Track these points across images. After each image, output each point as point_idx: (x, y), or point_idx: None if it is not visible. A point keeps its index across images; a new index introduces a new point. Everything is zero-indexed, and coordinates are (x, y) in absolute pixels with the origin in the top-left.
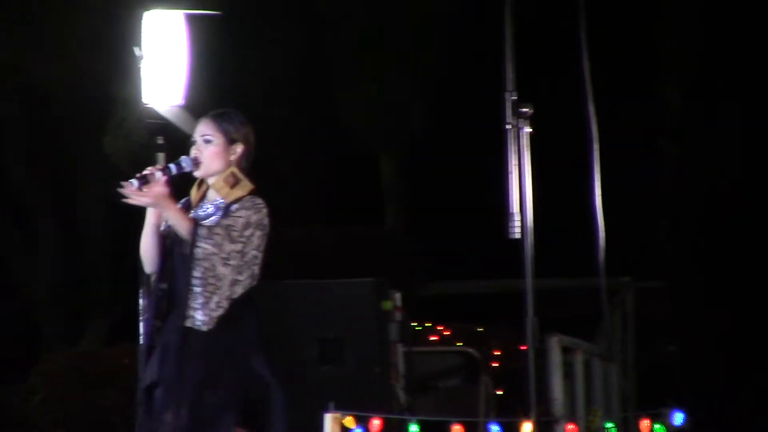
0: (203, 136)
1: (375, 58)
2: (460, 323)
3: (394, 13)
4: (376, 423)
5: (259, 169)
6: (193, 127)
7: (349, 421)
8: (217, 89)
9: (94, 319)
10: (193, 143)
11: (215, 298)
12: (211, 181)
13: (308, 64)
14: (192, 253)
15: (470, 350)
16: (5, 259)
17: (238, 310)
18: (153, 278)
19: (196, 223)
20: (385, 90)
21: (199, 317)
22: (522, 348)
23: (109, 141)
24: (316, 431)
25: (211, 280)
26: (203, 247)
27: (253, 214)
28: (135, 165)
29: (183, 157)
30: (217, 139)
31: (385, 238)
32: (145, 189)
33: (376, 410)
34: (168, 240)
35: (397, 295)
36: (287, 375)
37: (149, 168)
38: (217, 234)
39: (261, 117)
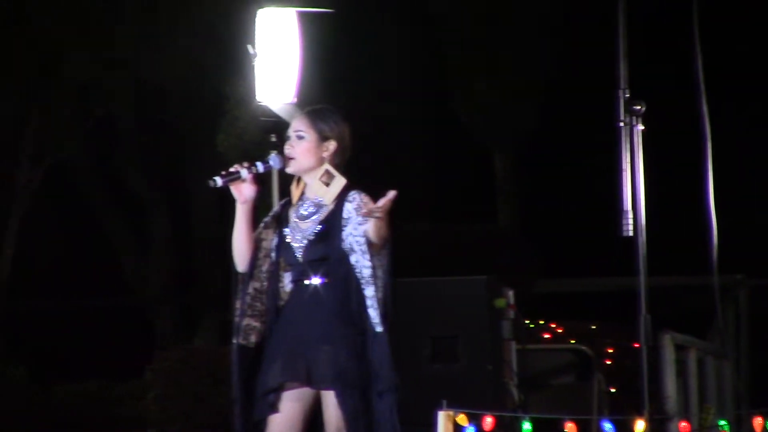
0: (296, 132)
1: (489, 56)
2: (573, 321)
3: (508, 11)
4: (488, 421)
5: (372, 166)
6: None
7: (461, 419)
8: (329, 87)
9: (207, 316)
10: (287, 139)
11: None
12: (307, 178)
13: (421, 61)
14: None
15: (583, 348)
16: (120, 258)
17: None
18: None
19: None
20: (499, 88)
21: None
22: (635, 345)
23: (222, 139)
24: (429, 429)
25: (378, 282)
26: (367, 261)
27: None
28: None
29: (272, 155)
30: (310, 135)
31: (498, 236)
32: (232, 187)
33: (489, 408)
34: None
35: (510, 293)
36: (400, 372)
37: (235, 165)
38: (360, 242)
39: (374, 115)
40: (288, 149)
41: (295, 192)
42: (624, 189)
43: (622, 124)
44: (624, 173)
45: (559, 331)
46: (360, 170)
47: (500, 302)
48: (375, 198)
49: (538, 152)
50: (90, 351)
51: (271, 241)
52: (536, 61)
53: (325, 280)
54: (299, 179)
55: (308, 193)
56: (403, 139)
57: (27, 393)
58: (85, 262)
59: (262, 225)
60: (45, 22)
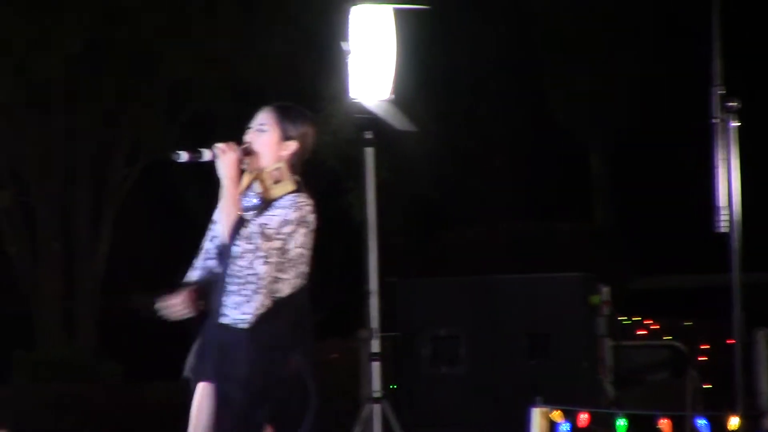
0: (260, 125)
1: (585, 55)
2: (668, 317)
3: (602, 9)
4: (583, 417)
5: (469, 164)
6: (400, 122)
7: (556, 415)
8: (424, 84)
9: None
10: (248, 129)
11: (258, 297)
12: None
13: (517, 59)
14: (229, 250)
15: (678, 344)
16: None
17: (286, 309)
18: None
19: (240, 218)
20: (594, 86)
21: (235, 315)
22: (729, 342)
23: (317, 137)
24: (524, 425)
25: (252, 278)
26: (240, 245)
27: (292, 212)
28: (343, 160)
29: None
30: (273, 131)
31: (593, 234)
32: (227, 163)
33: (584, 404)
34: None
35: (605, 290)
36: (496, 369)
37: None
38: (254, 233)
39: (469, 112)
40: (248, 140)
41: (244, 181)
42: (718, 185)
43: (716, 120)
44: (718, 170)
45: (654, 327)
46: (456, 168)
47: (595, 299)
48: (486, 204)
49: (633, 150)
50: (186, 349)
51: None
52: (631, 60)
53: None
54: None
55: (255, 186)
56: (498, 138)
57: (122, 390)
58: (181, 259)
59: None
60: (142, 20)
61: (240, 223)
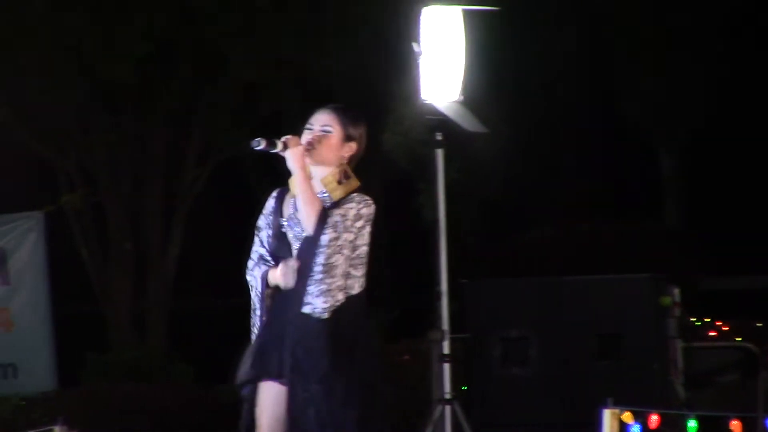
0: (323, 126)
1: (656, 54)
2: (739, 318)
3: (674, 8)
4: (654, 419)
5: (540, 165)
6: (470, 123)
7: (627, 417)
8: (495, 85)
9: (376, 316)
10: (308, 130)
11: (335, 287)
12: (318, 173)
13: (587, 59)
14: (317, 239)
15: (749, 345)
16: None
17: (355, 307)
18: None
19: (323, 208)
20: (666, 85)
21: (318, 304)
22: None
23: (388, 138)
24: (594, 427)
25: (335, 270)
26: (328, 233)
27: (364, 207)
28: (414, 161)
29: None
30: (336, 132)
31: (664, 234)
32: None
33: (654, 406)
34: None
35: (676, 291)
36: (566, 370)
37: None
38: (338, 221)
39: (539, 112)
40: (309, 139)
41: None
42: None
43: None
44: None
45: (725, 329)
46: (526, 169)
47: (666, 300)
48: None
49: (704, 150)
50: None
51: (268, 229)
52: (703, 59)
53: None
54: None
55: (315, 187)
56: (569, 138)
57: (192, 392)
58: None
59: (266, 212)
60: (212, 21)
61: (324, 212)
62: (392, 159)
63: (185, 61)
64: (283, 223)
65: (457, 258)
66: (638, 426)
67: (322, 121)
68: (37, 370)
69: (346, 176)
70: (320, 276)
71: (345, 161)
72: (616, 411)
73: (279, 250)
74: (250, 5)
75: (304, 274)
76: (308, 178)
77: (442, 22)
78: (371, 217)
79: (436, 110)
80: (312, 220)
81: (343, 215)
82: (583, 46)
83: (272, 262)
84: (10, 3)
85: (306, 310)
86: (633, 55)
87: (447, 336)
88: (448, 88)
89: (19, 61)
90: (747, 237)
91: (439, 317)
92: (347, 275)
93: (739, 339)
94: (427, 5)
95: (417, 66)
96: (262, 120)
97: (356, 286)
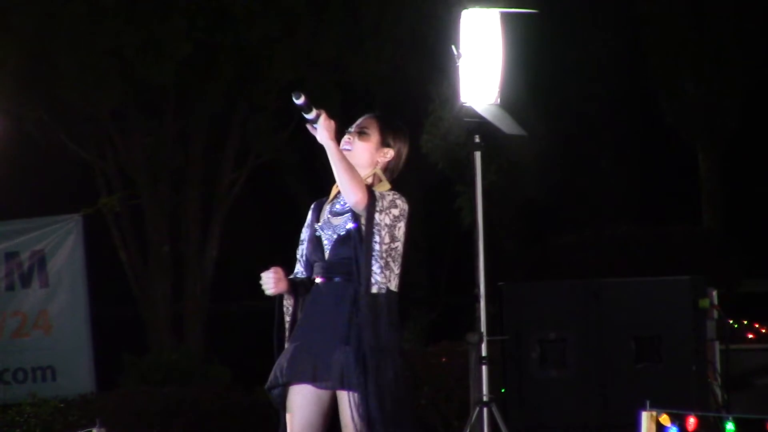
0: (361, 127)
1: (693, 55)
2: None
3: (712, 10)
4: (691, 421)
5: (578, 167)
6: (509, 126)
7: (664, 419)
8: (533, 88)
9: (414, 318)
10: (348, 132)
11: (383, 262)
12: None
13: (625, 62)
14: (372, 220)
15: None
16: None
17: (391, 304)
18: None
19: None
20: (704, 87)
21: (382, 280)
22: None
23: (426, 140)
24: (632, 428)
25: (393, 251)
26: (380, 217)
27: (398, 199)
28: (452, 164)
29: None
30: (374, 136)
31: (702, 236)
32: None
33: (692, 408)
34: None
35: (714, 293)
36: (604, 372)
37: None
38: (376, 196)
39: (577, 115)
40: (346, 141)
41: (334, 189)
42: None
43: None
44: None
45: (763, 331)
46: (565, 171)
47: (704, 302)
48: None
49: (742, 152)
50: None
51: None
52: (740, 60)
53: (344, 279)
54: None
55: None
56: (606, 140)
57: (229, 394)
58: (290, 263)
59: (306, 224)
60: (249, 24)
61: (372, 192)
62: (430, 162)
63: (225, 64)
64: (317, 227)
65: (495, 260)
66: (676, 428)
67: (363, 124)
68: (75, 373)
69: (379, 181)
70: (377, 253)
71: (380, 166)
72: (654, 413)
73: (312, 254)
74: (289, 9)
75: (365, 252)
76: (341, 150)
77: (481, 24)
78: (405, 212)
79: (474, 113)
80: (361, 194)
81: (381, 195)
82: (622, 47)
83: (305, 273)
84: (50, 6)
85: (373, 289)
86: (672, 57)
87: (485, 338)
88: (486, 90)
89: (58, 63)
90: None
91: (477, 319)
92: (386, 265)
93: None
94: (465, 8)
95: (455, 69)
96: (301, 123)
97: (392, 280)
